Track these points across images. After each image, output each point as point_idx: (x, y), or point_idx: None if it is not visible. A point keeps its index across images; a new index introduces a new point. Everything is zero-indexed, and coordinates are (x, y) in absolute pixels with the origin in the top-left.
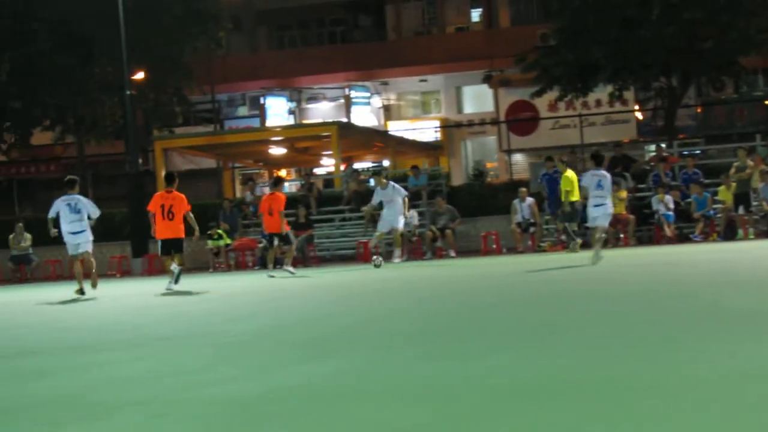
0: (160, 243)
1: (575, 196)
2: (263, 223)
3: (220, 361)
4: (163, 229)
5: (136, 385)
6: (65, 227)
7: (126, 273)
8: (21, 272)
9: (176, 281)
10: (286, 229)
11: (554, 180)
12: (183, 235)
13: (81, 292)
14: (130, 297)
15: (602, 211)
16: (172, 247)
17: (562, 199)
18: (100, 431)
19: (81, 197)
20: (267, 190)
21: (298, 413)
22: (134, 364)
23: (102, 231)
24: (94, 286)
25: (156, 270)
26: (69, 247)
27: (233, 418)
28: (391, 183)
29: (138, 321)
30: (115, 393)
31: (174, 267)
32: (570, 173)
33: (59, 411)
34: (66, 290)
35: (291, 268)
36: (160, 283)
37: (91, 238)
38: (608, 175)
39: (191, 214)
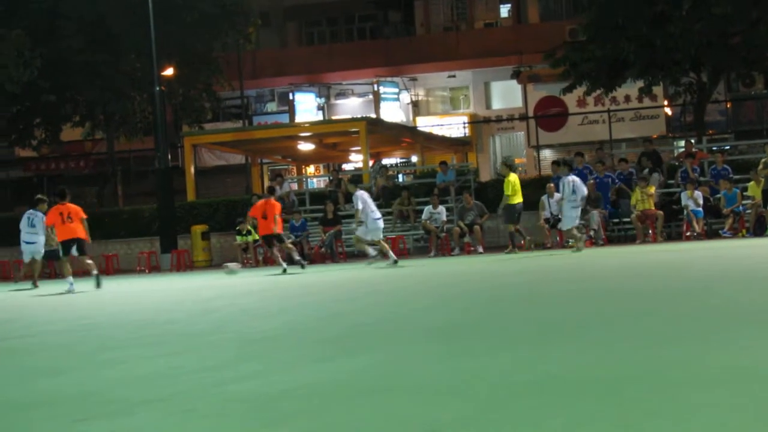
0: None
1: (517, 199)
2: (258, 228)
3: (245, 358)
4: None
5: (159, 382)
6: (23, 236)
7: (155, 269)
8: (50, 268)
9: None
10: (279, 231)
11: (583, 176)
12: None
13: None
14: (157, 293)
15: (577, 213)
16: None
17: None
18: (123, 428)
19: (39, 213)
20: (294, 186)
21: (323, 410)
22: (158, 360)
23: (131, 227)
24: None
25: (184, 266)
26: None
27: (257, 414)
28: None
29: (163, 317)
30: (137, 389)
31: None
32: (512, 176)
33: (82, 407)
34: (93, 286)
35: (284, 264)
36: (188, 279)
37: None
38: (579, 180)
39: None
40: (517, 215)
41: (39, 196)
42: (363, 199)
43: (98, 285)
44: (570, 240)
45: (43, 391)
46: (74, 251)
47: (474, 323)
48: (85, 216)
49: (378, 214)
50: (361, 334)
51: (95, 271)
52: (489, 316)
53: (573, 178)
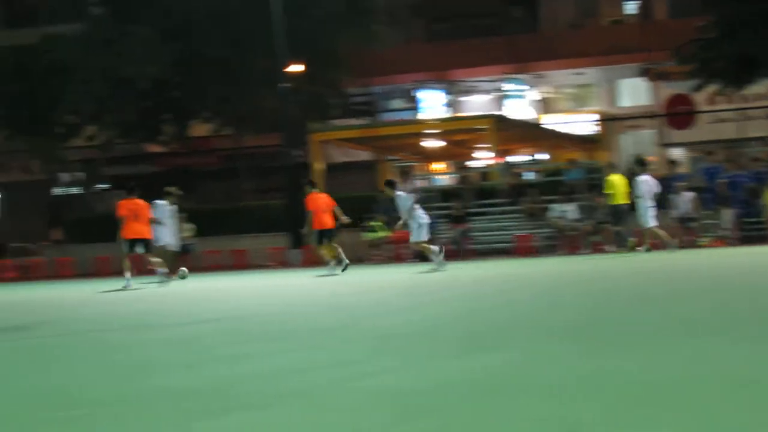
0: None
1: (620, 200)
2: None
3: (379, 353)
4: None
5: (292, 376)
6: None
7: (283, 264)
8: (184, 262)
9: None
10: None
11: (714, 175)
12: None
13: None
14: (286, 288)
15: (653, 212)
16: None
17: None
18: (258, 421)
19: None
20: (420, 184)
21: (457, 407)
22: (293, 354)
23: (259, 222)
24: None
25: (313, 261)
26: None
27: (391, 410)
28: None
29: (296, 311)
30: (272, 383)
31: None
32: (614, 177)
33: (218, 401)
34: (225, 281)
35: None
36: (317, 275)
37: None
38: (653, 180)
39: None
40: (622, 216)
41: (168, 188)
42: (406, 200)
43: (162, 283)
44: (702, 239)
45: (178, 384)
46: (139, 249)
47: (602, 321)
48: (151, 216)
49: (424, 215)
50: (493, 331)
51: (163, 270)
52: (617, 315)
53: (646, 178)
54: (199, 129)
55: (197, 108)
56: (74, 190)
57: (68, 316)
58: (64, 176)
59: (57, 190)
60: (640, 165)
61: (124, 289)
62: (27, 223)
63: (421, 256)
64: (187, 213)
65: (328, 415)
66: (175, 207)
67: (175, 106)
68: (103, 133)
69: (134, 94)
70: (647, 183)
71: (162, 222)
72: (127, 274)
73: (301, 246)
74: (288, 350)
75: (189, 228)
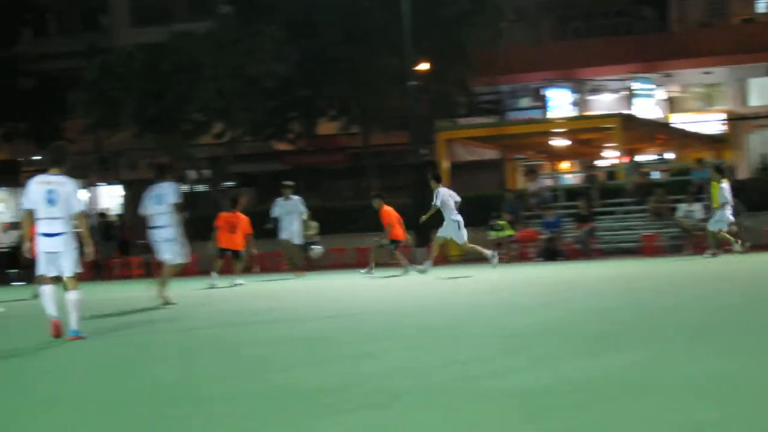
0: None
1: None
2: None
3: (506, 352)
4: None
5: (419, 374)
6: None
7: (410, 262)
8: (307, 260)
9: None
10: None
11: None
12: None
13: None
14: (413, 286)
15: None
16: None
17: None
18: (381, 419)
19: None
20: (548, 182)
21: (584, 407)
22: (418, 352)
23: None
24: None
25: (440, 260)
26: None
27: (518, 409)
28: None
29: (422, 310)
30: (396, 381)
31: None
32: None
33: (340, 399)
34: (349, 279)
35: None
36: (442, 273)
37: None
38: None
39: None
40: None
41: (285, 182)
42: (443, 197)
43: (234, 285)
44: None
45: (299, 381)
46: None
47: (729, 322)
48: (250, 231)
49: (456, 215)
50: (619, 331)
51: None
52: (742, 316)
53: (726, 185)
54: (326, 127)
55: (324, 106)
56: (200, 188)
57: (189, 313)
58: (191, 174)
59: (183, 188)
60: (718, 173)
61: (211, 287)
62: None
63: (548, 255)
64: (312, 211)
65: (453, 414)
66: (293, 201)
67: (302, 104)
68: (230, 131)
69: (262, 92)
70: (727, 190)
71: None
72: (214, 275)
73: (427, 244)
74: (411, 348)
75: (313, 226)
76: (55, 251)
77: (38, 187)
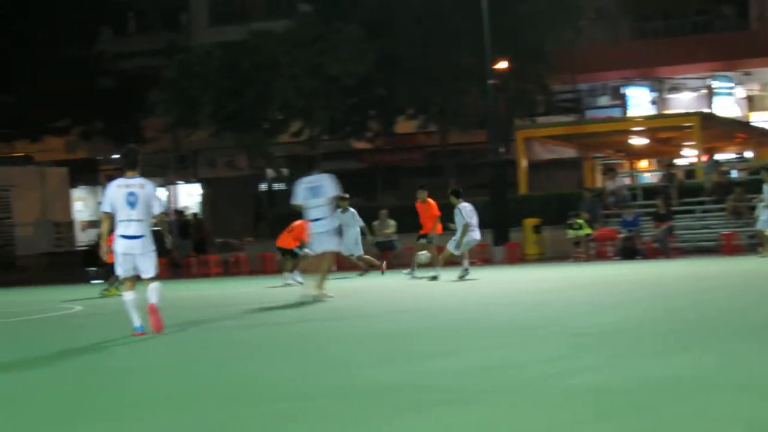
0: None
1: None
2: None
3: (582, 351)
4: None
5: (496, 373)
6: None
7: (487, 261)
8: (385, 258)
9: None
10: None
11: None
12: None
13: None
14: (489, 285)
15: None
16: None
17: None
18: (462, 416)
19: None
20: (626, 181)
21: (658, 405)
22: (494, 351)
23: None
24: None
25: (516, 259)
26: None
27: (592, 407)
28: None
29: (498, 309)
30: (474, 379)
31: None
32: None
33: (418, 396)
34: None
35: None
36: (520, 272)
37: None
38: None
39: None
40: None
41: (342, 194)
42: (465, 212)
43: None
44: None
45: (378, 378)
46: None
47: None
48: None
49: (476, 229)
50: (694, 330)
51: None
52: None
53: None
54: (404, 126)
55: (402, 105)
56: (279, 186)
57: (268, 310)
58: (269, 172)
59: (262, 186)
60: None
61: (286, 285)
62: (231, 218)
63: (626, 254)
64: (390, 209)
65: (529, 413)
66: (349, 213)
67: (381, 103)
68: (308, 129)
69: (341, 90)
70: None
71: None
72: (286, 274)
73: (505, 243)
74: (489, 347)
75: (391, 224)
76: (134, 253)
77: (118, 190)
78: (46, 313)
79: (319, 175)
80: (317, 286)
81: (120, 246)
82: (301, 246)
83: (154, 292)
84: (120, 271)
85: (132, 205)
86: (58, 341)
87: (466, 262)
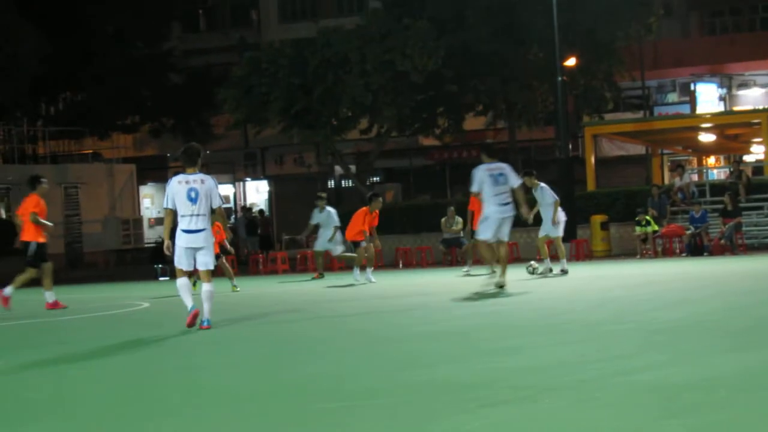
0: None
1: None
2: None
3: (650, 348)
4: None
5: (562, 370)
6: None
7: (554, 257)
8: (452, 255)
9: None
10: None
11: None
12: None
13: None
14: (555, 282)
15: None
16: None
17: None
18: (528, 414)
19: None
20: (694, 177)
21: (728, 402)
22: (562, 348)
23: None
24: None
25: (584, 255)
26: None
27: (661, 405)
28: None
29: (565, 306)
30: (542, 377)
31: None
32: None
33: (487, 393)
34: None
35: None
36: (588, 269)
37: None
38: None
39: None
40: None
41: (320, 193)
42: (549, 189)
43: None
44: None
45: (445, 376)
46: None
47: None
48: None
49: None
50: (762, 327)
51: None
52: None
53: None
54: (472, 122)
55: (471, 101)
56: (346, 183)
57: (335, 307)
58: (337, 169)
59: (330, 183)
60: None
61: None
62: (299, 215)
63: (693, 251)
64: (457, 206)
65: (596, 410)
66: (326, 212)
67: (449, 100)
68: (377, 126)
69: (410, 86)
70: None
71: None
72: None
73: (573, 239)
74: (556, 344)
75: (458, 221)
76: (196, 247)
77: (179, 186)
78: (113, 310)
79: (500, 163)
80: (502, 273)
81: (182, 240)
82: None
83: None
84: (178, 262)
85: (193, 200)
86: (125, 338)
87: (545, 262)
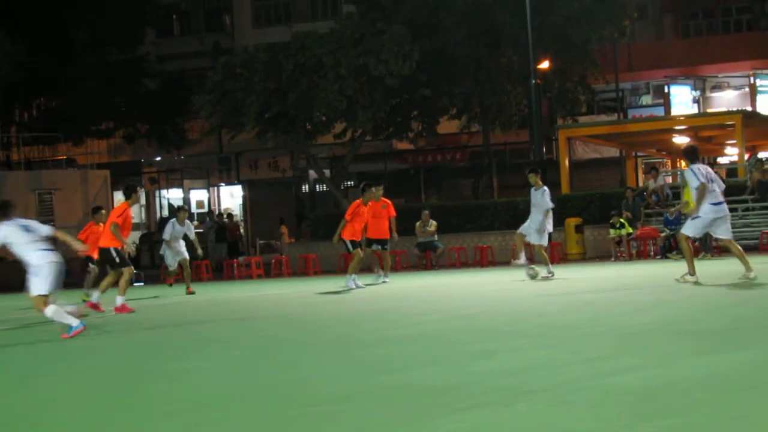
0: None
1: None
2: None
3: (624, 350)
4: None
5: (536, 373)
6: None
7: (528, 260)
8: (426, 259)
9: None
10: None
11: None
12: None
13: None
14: (529, 284)
15: None
16: None
17: None
18: (502, 417)
19: None
20: (669, 180)
21: (702, 405)
22: (536, 351)
23: (506, 219)
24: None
25: (558, 258)
26: None
27: (636, 407)
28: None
29: (539, 309)
30: (516, 380)
31: None
32: None
33: (460, 397)
34: (469, 277)
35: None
36: (560, 272)
37: None
38: None
39: None
40: None
41: (181, 205)
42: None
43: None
44: None
45: (419, 380)
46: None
47: None
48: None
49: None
50: (738, 328)
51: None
52: None
53: None
54: (447, 126)
55: (445, 105)
56: (321, 188)
57: (309, 311)
58: (311, 173)
59: (304, 188)
60: None
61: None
62: (272, 220)
63: (667, 253)
64: (432, 209)
65: (570, 413)
66: (187, 226)
67: (423, 103)
68: (351, 130)
69: (384, 90)
70: None
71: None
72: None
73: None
74: (529, 347)
75: (432, 224)
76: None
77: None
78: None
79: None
80: (747, 267)
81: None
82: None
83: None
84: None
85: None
86: (95, 344)
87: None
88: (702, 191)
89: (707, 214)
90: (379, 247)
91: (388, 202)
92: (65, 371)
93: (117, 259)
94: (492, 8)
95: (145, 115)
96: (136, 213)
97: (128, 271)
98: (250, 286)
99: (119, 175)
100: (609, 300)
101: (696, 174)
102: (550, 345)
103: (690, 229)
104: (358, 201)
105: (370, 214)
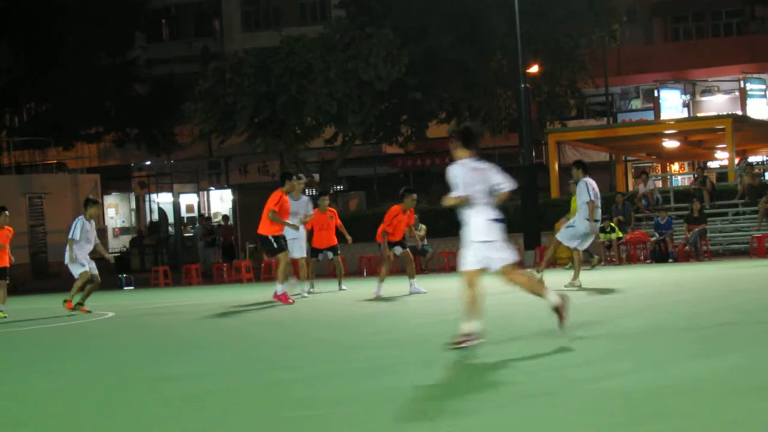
0: None
1: None
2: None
3: (615, 355)
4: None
5: (529, 377)
6: None
7: (519, 265)
8: (415, 263)
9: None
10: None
11: None
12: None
13: None
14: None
15: None
16: None
17: None
18: (494, 421)
19: None
20: (658, 184)
21: (694, 408)
22: (527, 356)
23: None
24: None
25: (549, 262)
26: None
27: (628, 411)
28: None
29: (530, 314)
30: (508, 384)
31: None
32: None
33: (456, 400)
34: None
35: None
36: (551, 277)
37: None
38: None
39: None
40: None
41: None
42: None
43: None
44: None
45: (410, 384)
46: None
47: None
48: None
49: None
50: (727, 333)
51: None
52: None
53: None
54: (436, 130)
55: (434, 109)
56: (310, 192)
57: (299, 316)
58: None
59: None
60: None
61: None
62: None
63: (657, 257)
64: (421, 213)
65: (562, 417)
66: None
67: (413, 107)
68: (341, 134)
69: (373, 95)
70: None
71: None
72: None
73: (537, 247)
74: (522, 352)
75: (422, 229)
76: None
77: None
78: (78, 320)
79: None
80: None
81: None
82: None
83: None
84: None
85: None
86: (90, 347)
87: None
88: (591, 208)
89: (581, 228)
90: (330, 254)
91: (334, 211)
92: (42, 378)
93: (275, 245)
94: (480, 13)
95: (134, 119)
96: (126, 217)
97: (284, 257)
98: (239, 290)
99: (109, 179)
100: (599, 304)
101: (588, 189)
102: (543, 349)
103: (564, 236)
104: (396, 208)
105: (318, 227)
